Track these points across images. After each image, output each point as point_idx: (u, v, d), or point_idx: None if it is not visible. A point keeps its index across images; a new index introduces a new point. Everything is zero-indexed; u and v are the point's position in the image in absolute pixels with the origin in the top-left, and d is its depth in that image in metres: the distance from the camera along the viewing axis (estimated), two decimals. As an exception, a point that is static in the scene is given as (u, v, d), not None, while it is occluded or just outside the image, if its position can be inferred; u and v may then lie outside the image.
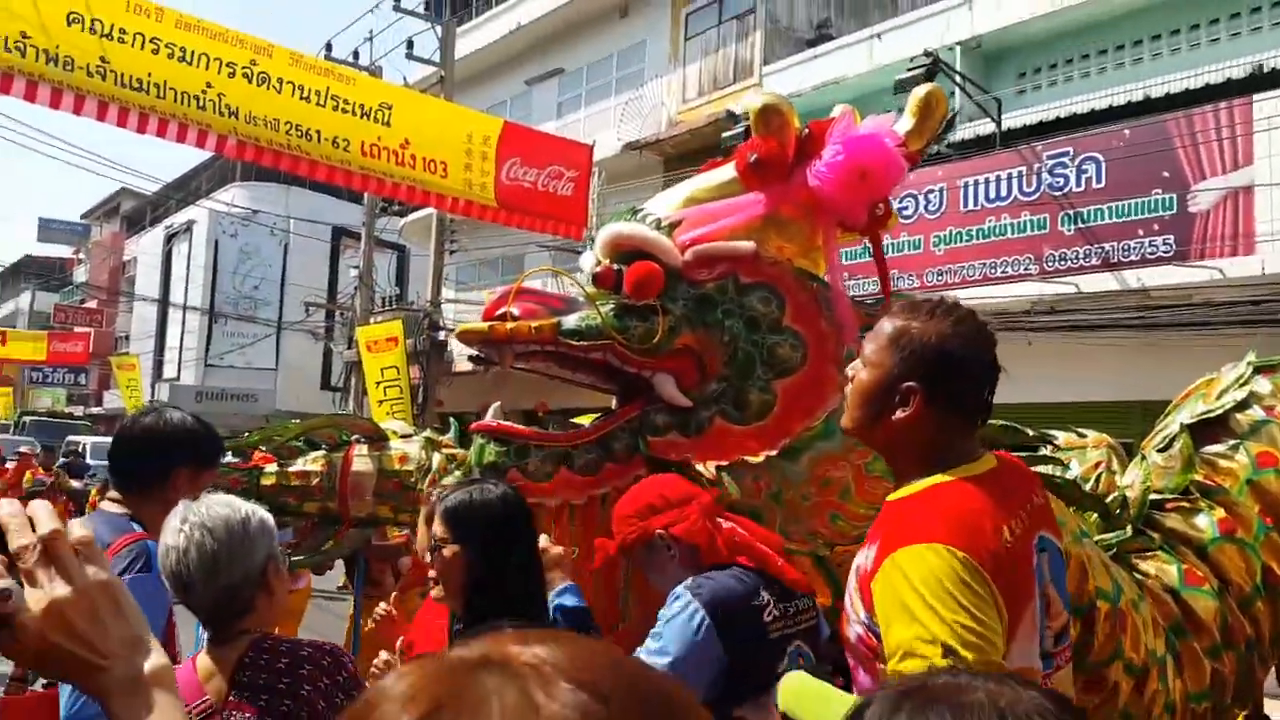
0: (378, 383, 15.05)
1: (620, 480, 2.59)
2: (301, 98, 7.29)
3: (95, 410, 33.24)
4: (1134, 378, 8.72)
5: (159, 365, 30.35)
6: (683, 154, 14.99)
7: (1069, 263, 9.80)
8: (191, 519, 1.76)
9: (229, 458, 5.54)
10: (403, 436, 4.77)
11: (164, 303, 29.53)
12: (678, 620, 2.00)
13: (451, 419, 6.33)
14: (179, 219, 30.69)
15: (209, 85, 6.75)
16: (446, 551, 2.02)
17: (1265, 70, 9.55)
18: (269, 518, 1.89)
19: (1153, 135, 9.18)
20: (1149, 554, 2.69)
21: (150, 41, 6.34)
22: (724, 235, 2.65)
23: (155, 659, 0.85)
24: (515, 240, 16.00)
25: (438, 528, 2.06)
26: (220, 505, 1.81)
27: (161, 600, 1.97)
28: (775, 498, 2.44)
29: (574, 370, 2.75)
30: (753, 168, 2.61)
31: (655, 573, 2.24)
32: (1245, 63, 9.79)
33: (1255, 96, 8.75)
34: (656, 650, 1.99)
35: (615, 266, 2.66)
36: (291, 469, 4.57)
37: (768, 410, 2.57)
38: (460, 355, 16.90)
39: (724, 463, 2.55)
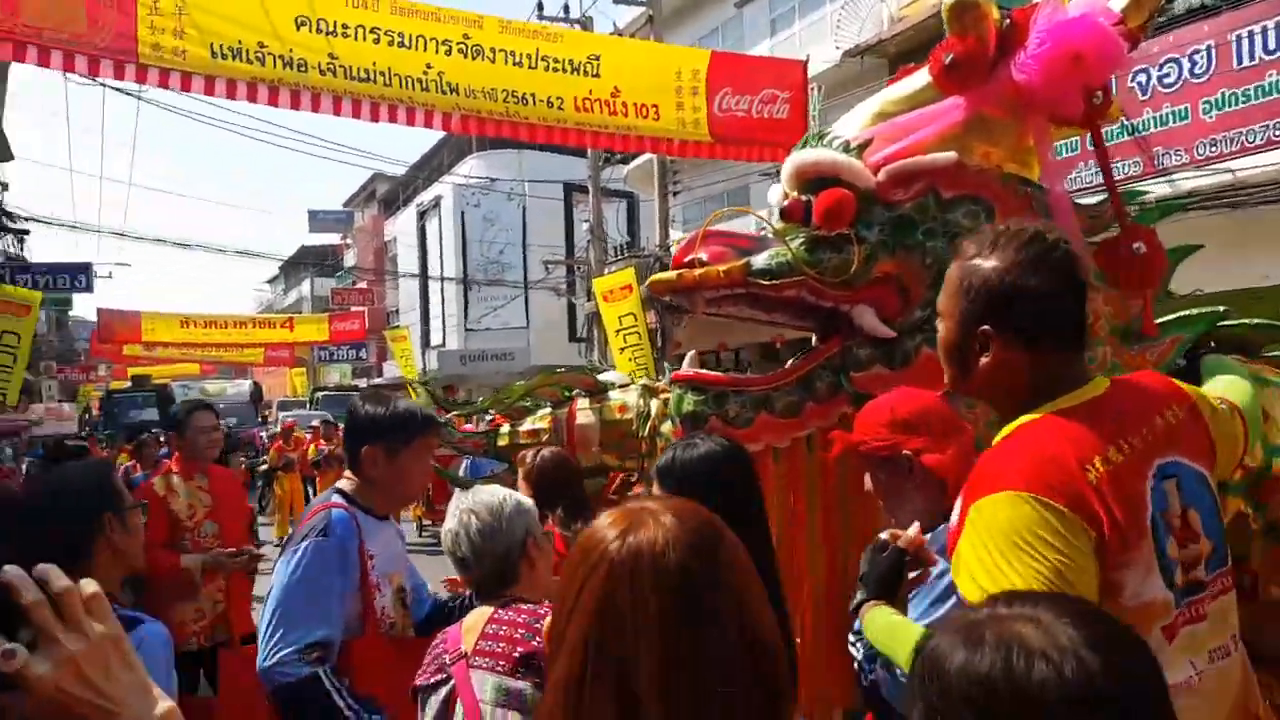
0: (617, 330, 15.43)
1: (824, 420, 2.48)
2: (514, 63, 7.46)
3: (377, 380, 36.49)
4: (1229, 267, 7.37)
5: (426, 334, 32.84)
6: (907, 53, 14.06)
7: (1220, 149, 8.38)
8: (463, 505, 2.12)
9: (466, 425, 5.86)
10: (621, 386, 4.85)
11: (424, 276, 31.82)
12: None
13: (741, 362, 6.34)
14: (427, 196, 32.79)
15: (429, 66, 7.05)
16: None
17: None
18: (526, 500, 2.21)
19: None
20: None
21: (371, 32, 6.68)
22: (922, 149, 2.45)
23: (163, 704, 0.92)
24: (737, 172, 15.78)
25: (655, 487, 2.12)
26: (486, 493, 2.17)
27: (330, 560, 2.36)
28: (994, 426, 2.20)
29: (767, 311, 2.64)
30: (949, 70, 2.40)
31: (891, 495, 2.11)
32: None
33: None
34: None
35: (803, 198, 2.51)
36: (522, 428, 4.78)
37: None
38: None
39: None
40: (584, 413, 4.75)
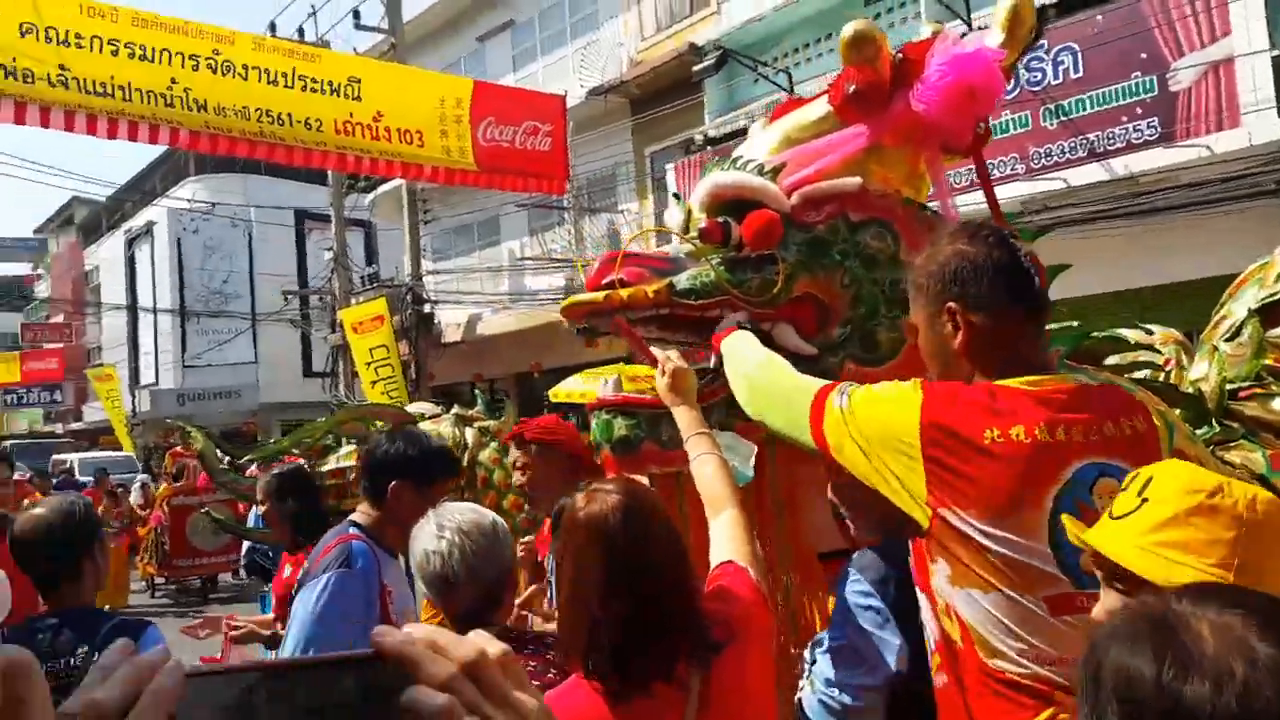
0: (368, 363, 14.91)
1: (753, 436, 2.54)
2: (269, 82, 7.08)
3: (75, 426, 32.82)
4: (1128, 268, 8.75)
5: (135, 372, 29.92)
6: (649, 94, 14.73)
7: (1055, 158, 9.73)
8: (448, 524, 1.95)
9: (252, 468, 5.44)
10: (430, 418, 4.72)
11: (133, 308, 29.00)
12: None
13: (478, 392, 6.26)
14: (138, 221, 30.02)
15: (174, 81, 6.54)
16: None
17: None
18: (502, 522, 2.09)
19: (1127, 17, 9.08)
20: (1232, 444, 2.68)
21: (109, 44, 6.11)
22: (828, 174, 2.55)
23: None
24: (490, 203, 15.79)
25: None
26: (467, 511, 2.01)
27: (355, 591, 2.36)
28: None
29: (675, 332, 2.65)
30: (851, 100, 2.50)
31: (851, 505, 2.13)
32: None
33: (1227, -34, 8.64)
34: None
35: (721, 220, 2.56)
36: (325, 468, 4.50)
37: (899, 347, 2.49)
38: (449, 326, 16.75)
39: None
40: (394, 447, 4.55)
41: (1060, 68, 9.59)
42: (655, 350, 2.48)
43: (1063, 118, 9.72)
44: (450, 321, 16.74)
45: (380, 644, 0.60)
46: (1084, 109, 9.59)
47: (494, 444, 4.80)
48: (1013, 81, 9.63)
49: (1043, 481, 1.61)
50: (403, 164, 8.19)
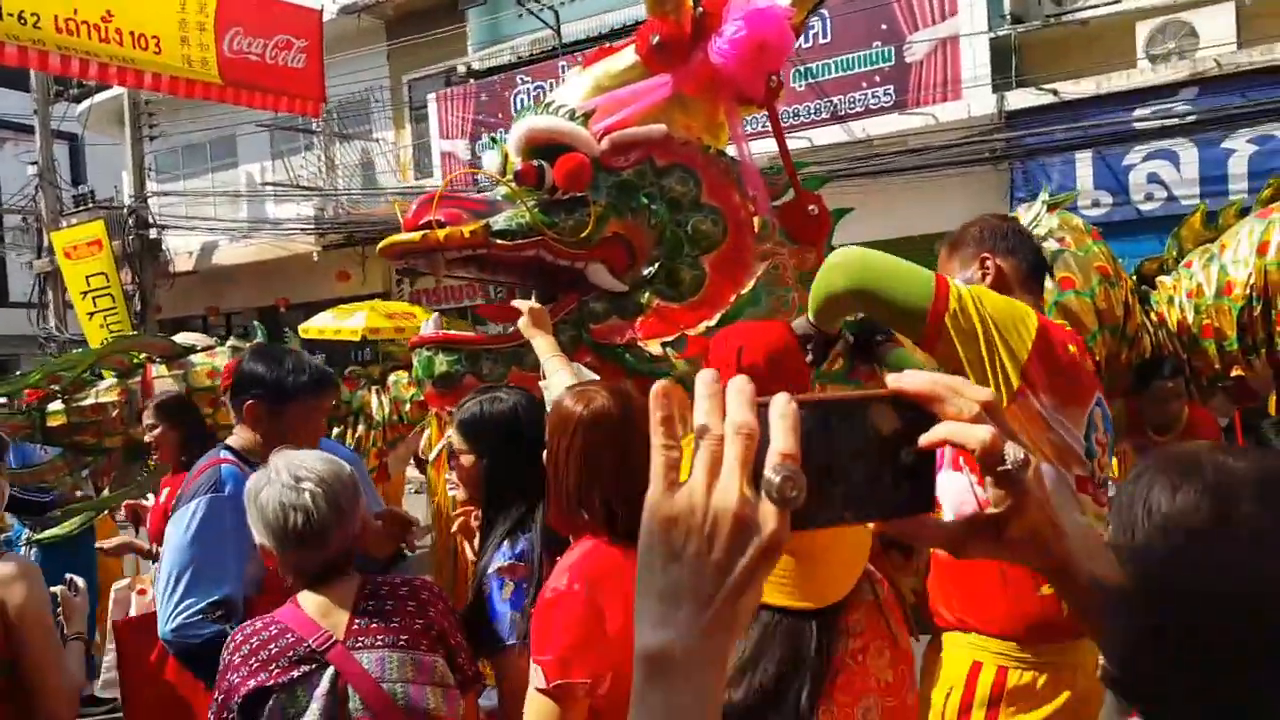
0: (84, 293, 13.41)
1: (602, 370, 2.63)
2: (-28, -37, 6.13)
3: None
4: (861, 221, 9.53)
5: None
6: (405, 17, 14.09)
7: (801, 118, 10.35)
8: (304, 474, 1.80)
9: None
10: (204, 349, 4.38)
11: None
12: None
13: (234, 326, 5.84)
14: None
15: None
16: (464, 460, 2.17)
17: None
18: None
19: (871, -11, 9.75)
20: None
21: None
22: (635, 120, 2.69)
23: None
24: (225, 120, 14.54)
25: (455, 438, 2.18)
26: (318, 459, 1.86)
27: (225, 515, 2.23)
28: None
29: (493, 272, 2.76)
30: (656, 50, 2.63)
31: None
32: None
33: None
34: None
35: (536, 163, 2.64)
36: (83, 404, 4.08)
37: (700, 284, 2.70)
38: (178, 254, 15.38)
39: (668, 338, 2.64)
40: (163, 380, 4.23)
41: (811, 33, 10.16)
42: (517, 302, 2.60)
43: (810, 80, 10.35)
44: (181, 249, 15.39)
45: (904, 384, 0.68)
46: (829, 73, 10.26)
47: None
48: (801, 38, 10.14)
49: (1090, 391, 2.01)
50: (135, 72, 7.40)
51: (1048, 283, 3.23)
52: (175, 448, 3.72)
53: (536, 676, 1.65)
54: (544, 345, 2.44)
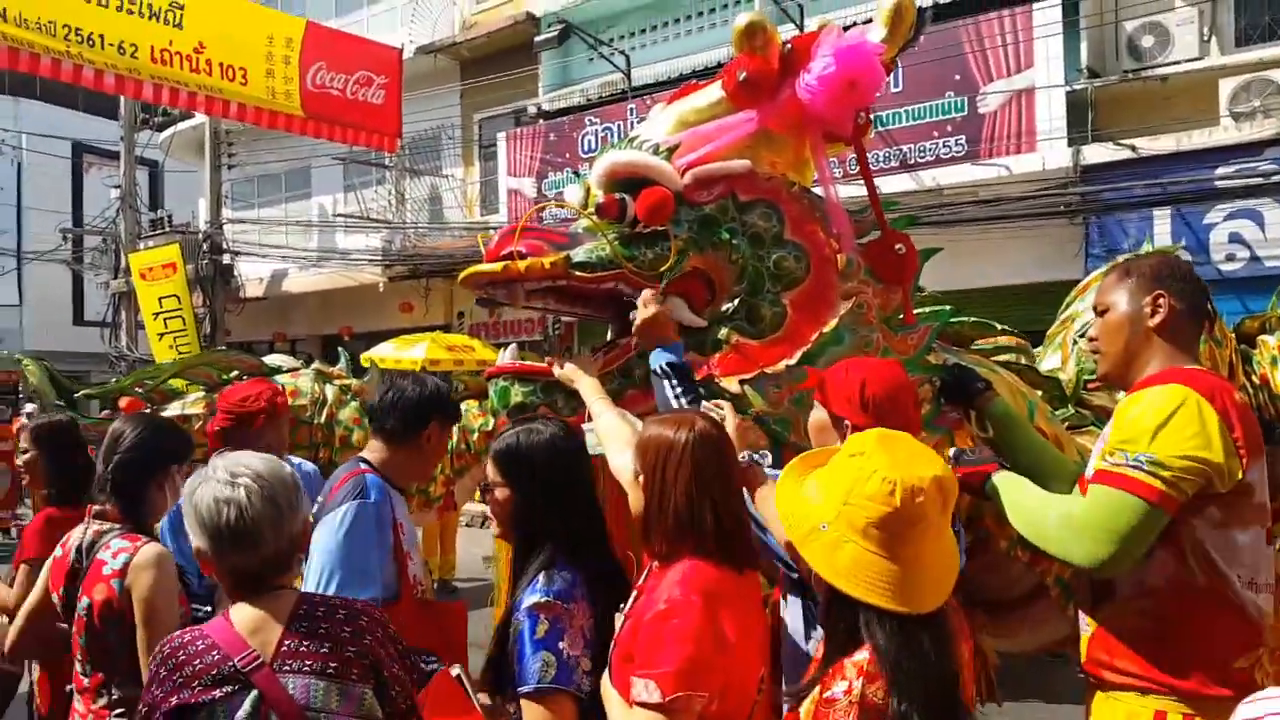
0: (156, 314, 13.81)
1: (643, 406, 2.61)
2: (80, -4, 6.38)
3: None
4: (933, 272, 9.40)
5: None
6: (481, 58, 14.39)
7: (871, 166, 10.29)
8: (241, 470, 1.71)
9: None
10: (288, 370, 4.47)
11: None
12: None
13: (298, 353, 5.93)
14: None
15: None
16: (498, 494, 2.08)
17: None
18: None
19: (945, 40, 9.72)
20: (1084, 430, 2.96)
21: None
22: (719, 156, 2.68)
23: None
24: (301, 152, 14.93)
25: (490, 469, 2.10)
26: (257, 459, 1.77)
27: (370, 521, 2.36)
28: (798, 403, 2.50)
29: (572, 304, 2.77)
30: (742, 86, 2.64)
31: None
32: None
33: (1034, 5, 9.41)
34: None
35: (618, 196, 2.65)
36: (169, 414, 4.17)
37: (780, 322, 2.66)
38: (249, 280, 15.75)
39: (746, 376, 2.59)
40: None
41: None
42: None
43: (880, 129, 10.31)
44: (252, 275, 15.75)
45: None
46: (899, 122, 10.22)
47: (354, 402, 4.67)
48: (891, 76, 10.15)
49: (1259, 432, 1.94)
50: (223, 101, 7.63)
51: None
52: (46, 476, 3.42)
53: (646, 691, 1.60)
54: (589, 387, 2.46)
